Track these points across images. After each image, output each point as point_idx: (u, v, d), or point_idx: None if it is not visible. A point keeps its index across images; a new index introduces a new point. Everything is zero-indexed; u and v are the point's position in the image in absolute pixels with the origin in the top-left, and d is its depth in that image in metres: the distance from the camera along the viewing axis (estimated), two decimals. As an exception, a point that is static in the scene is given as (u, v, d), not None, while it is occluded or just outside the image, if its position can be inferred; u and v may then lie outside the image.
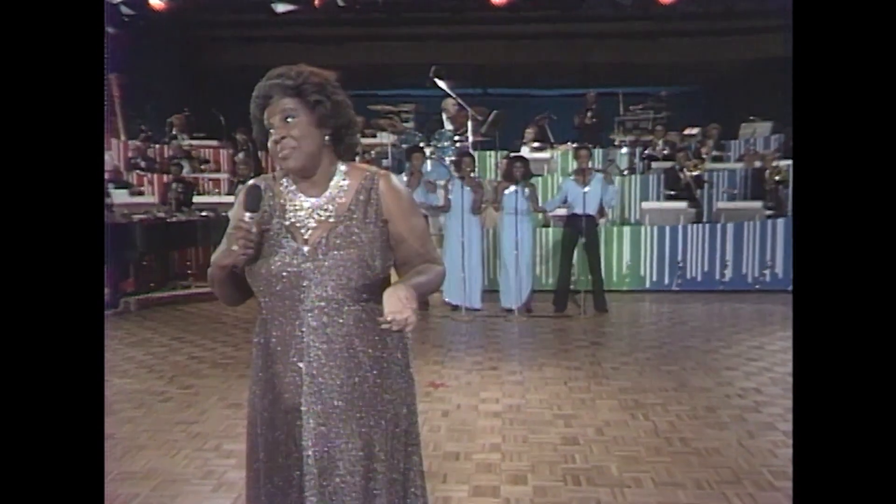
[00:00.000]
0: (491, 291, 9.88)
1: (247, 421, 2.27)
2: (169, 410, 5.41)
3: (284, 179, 2.20)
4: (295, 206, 2.16)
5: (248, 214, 2.07)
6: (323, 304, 2.08)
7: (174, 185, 11.57)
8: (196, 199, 11.62)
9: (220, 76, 16.09)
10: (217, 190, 12.97)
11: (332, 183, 2.17)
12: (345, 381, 2.10)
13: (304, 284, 2.08)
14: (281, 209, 2.17)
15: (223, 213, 10.80)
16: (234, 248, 2.05)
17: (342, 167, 2.19)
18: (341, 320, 2.09)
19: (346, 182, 2.17)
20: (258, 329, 2.19)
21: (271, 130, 2.10)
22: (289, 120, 2.08)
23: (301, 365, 2.10)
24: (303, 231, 2.13)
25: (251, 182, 2.18)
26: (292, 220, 2.14)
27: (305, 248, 2.10)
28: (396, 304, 1.92)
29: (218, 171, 13.94)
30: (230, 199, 11.35)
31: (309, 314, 2.09)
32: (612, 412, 5.33)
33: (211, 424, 5.08)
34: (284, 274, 2.09)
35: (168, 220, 10.28)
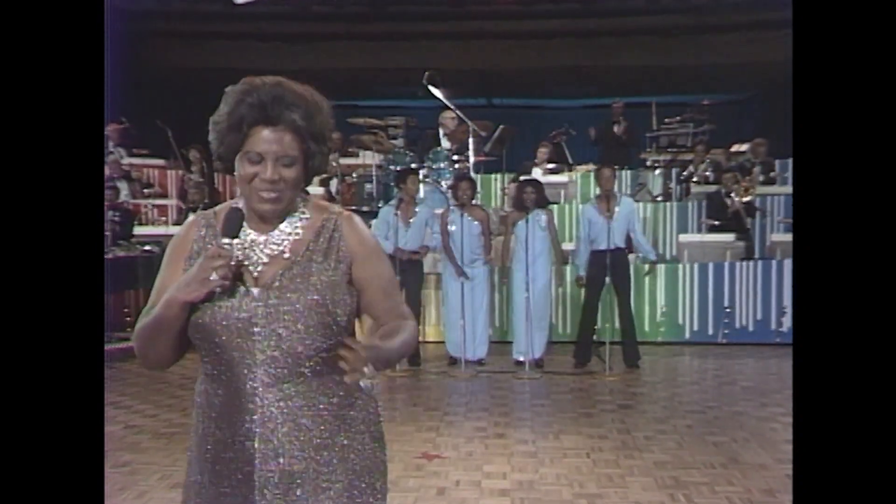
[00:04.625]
0: (498, 343, 9.85)
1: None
2: (100, 491, 5.35)
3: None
4: (242, 241, 2.18)
5: (226, 240, 2.11)
6: (277, 353, 2.10)
7: (110, 213, 11.56)
8: (137, 229, 11.61)
9: (167, 80, 16.17)
10: (163, 218, 13.00)
11: (288, 217, 2.21)
12: (305, 444, 2.13)
13: (255, 331, 2.10)
14: None
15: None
16: (213, 276, 2.05)
17: (300, 200, 2.25)
18: (300, 374, 2.12)
19: (306, 217, 2.23)
20: (200, 388, 2.22)
21: (250, 157, 2.11)
22: (287, 164, 2.12)
23: (252, 428, 2.11)
24: (252, 269, 2.15)
25: (229, 204, 2.22)
26: (239, 257, 2.15)
27: (255, 290, 2.13)
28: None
29: (164, 195, 13.97)
30: (179, 229, 11.35)
31: (261, 367, 2.11)
32: (646, 492, 5.30)
33: (152, 508, 5.02)
34: (230, 321, 2.10)
35: (103, 256, 10.26)
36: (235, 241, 2.12)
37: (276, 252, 2.16)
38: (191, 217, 2.28)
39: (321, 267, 2.16)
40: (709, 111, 14.70)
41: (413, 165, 11.16)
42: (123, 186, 12.97)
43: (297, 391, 2.12)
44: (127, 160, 14.22)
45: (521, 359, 9.06)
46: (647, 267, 9.79)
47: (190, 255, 2.18)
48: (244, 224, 2.18)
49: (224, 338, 2.11)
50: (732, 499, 5.17)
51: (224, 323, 2.10)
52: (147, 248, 10.75)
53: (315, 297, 2.11)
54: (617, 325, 9.22)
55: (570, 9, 15.21)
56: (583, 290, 9.38)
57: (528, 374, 8.86)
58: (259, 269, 2.15)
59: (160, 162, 14.43)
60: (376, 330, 2.22)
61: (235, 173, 2.14)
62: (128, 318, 11.09)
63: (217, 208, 2.29)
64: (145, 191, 13.84)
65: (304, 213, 2.22)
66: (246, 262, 2.15)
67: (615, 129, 14.44)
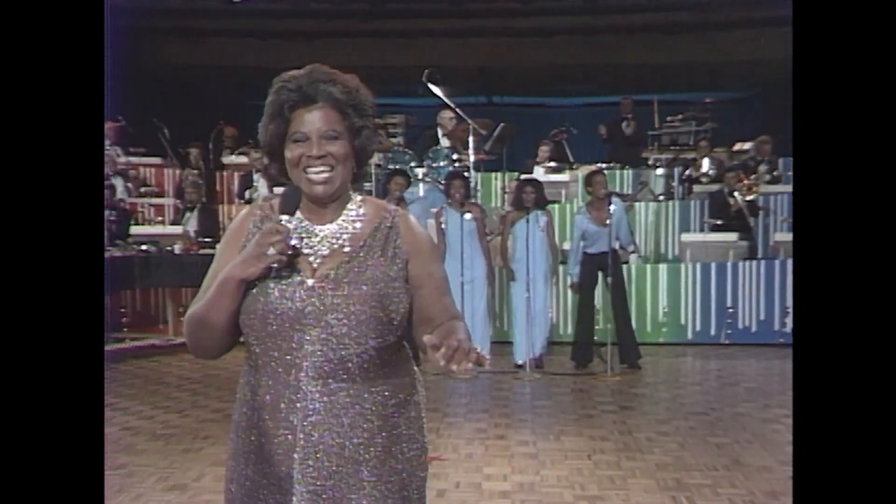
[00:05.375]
0: (498, 343, 9.85)
1: (224, 498, 2.29)
2: (96, 493, 5.34)
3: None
4: (301, 233, 2.21)
5: (284, 218, 2.16)
6: (326, 347, 2.12)
7: (106, 212, 11.53)
8: (134, 229, 11.58)
9: (164, 77, 16.14)
10: (160, 218, 12.96)
11: (345, 211, 2.25)
12: (347, 442, 2.15)
13: (306, 322, 2.12)
14: None
15: (167, 248, 10.79)
16: (270, 251, 2.09)
17: (357, 196, 2.30)
18: (347, 371, 2.14)
19: (362, 212, 2.27)
20: (244, 380, 2.24)
21: (295, 138, 2.16)
22: (332, 137, 2.17)
23: (294, 420, 2.13)
24: (312, 260, 2.19)
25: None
26: (294, 242, 2.18)
27: (310, 281, 2.15)
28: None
29: (161, 195, 13.93)
30: (176, 229, 11.35)
31: (309, 359, 2.13)
32: (647, 494, 5.30)
33: (149, 510, 5.02)
34: (282, 309, 2.13)
35: (103, 256, 10.21)
36: (293, 220, 2.17)
37: (336, 246, 2.20)
38: (247, 207, 2.32)
39: (377, 262, 2.19)
40: (711, 109, 14.68)
41: (412, 164, 11.16)
42: (119, 183, 12.90)
43: (342, 388, 2.14)
44: (123, 159, 14.16)
45: (521, 362, 9.06)
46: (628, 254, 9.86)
47: (245, 244, 2.20)
48: (300, 215, 2.22)
49: (275, 326, 2.13)
50: (735, 501, 5.17)
51: (277, 311, 2.13)
52: (144, 247, 10.71)
53: (368, 292, 2.14)
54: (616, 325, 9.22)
55: (570, 6, 15.18)
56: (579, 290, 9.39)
57: (528, 375, 8.86)
58: (318, 261, 2.18)
59: (157, 160, 14.37)
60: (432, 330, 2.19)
61: (285, 160, 2.18)
62: (124, 319, 11.07)
63: (273, 200, 2.32)
64: (142, 189, 13.79)
65: (361, 207, 2.26)
66: (307, 252, 2.19)
67: (624, 126, 14.40)
